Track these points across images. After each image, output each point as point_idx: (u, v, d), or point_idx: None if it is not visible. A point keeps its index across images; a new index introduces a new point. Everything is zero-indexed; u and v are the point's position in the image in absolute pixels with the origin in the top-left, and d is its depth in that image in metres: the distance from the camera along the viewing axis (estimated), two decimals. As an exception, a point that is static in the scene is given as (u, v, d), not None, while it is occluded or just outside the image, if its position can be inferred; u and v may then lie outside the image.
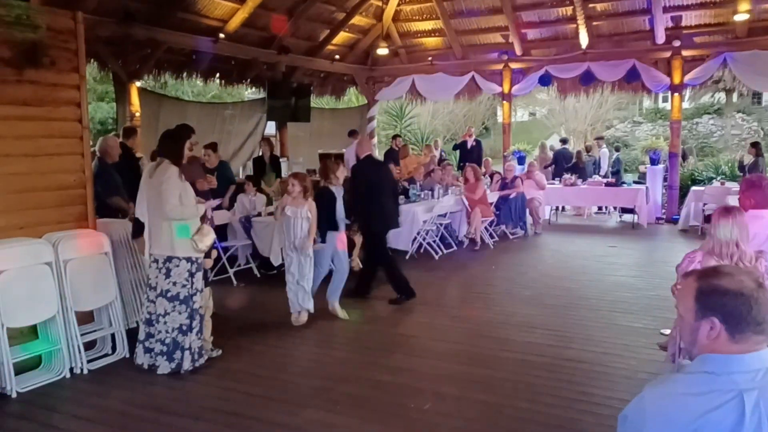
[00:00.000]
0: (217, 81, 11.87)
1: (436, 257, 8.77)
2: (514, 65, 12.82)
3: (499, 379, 4.41)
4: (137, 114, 9.28)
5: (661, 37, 11.34)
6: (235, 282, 7.33)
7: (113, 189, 6.43)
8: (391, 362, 4.81)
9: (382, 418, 3.84)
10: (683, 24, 11.26)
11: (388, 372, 4.59)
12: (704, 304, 1.57)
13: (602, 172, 13.04)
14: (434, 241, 8.99)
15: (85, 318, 4.90)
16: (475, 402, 4.05)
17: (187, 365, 4.51)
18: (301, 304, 5.70)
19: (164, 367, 4.52)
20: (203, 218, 4.59)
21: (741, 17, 10.19)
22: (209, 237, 4.54)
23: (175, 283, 4.46)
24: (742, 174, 10.65)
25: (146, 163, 7.20)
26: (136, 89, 9.34)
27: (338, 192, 6.04)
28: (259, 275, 7.71)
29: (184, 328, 4.50)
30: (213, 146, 8.25)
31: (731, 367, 1.49)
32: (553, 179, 12.86)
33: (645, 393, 1.59)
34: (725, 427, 1.43)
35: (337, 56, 13.20)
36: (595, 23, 11.90)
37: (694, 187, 11.59)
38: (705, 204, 10.81)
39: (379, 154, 12.04)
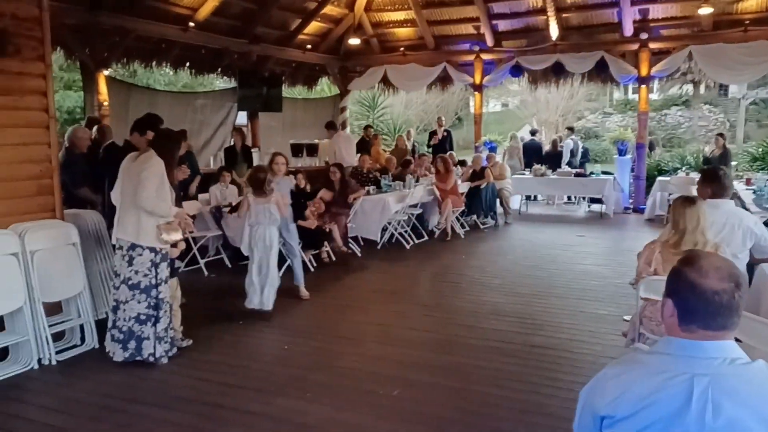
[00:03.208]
0: (188, 70, 11.74)
1: (407, 247, 8.85)
2: (485, 56, 12.90)
3: (468, 366, 4.50)
4: (105, 103, 9.13)
5: (629, 30, 11.53)
6: (206, 272, 7.32)
7: (81, 180, 6.36)
8: (362, 350, 4.87)
9: (353, 405, 3.90)
10: (650, 17, 11.45)
11: (359, 360, 4.65)
12: (668, 284, 1.66)
13: (563, 163, 13.26)
14: (405, 231, 9.06)
15: (53, 309, 4.85)
16: (443, 388, 4.13)
17: (146, 355, 4.46)
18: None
19: (118, 355, 4.49)
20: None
21: (705, 11, 10.41)
22: (176, 234, 4.50)
23: (137, 272, 4.43)
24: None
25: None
26: (104, 78, 9.19)
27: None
28: (230, 265, 7.69)
29: (143, 317, 4.45)
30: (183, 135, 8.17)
31: (689, 352, 1.56)
32: (523, 170, 13.05)
33: (606, 369, 1.67)
34: (672, 408, 1.49)
35: (308, 46, 13.13)
36: (564, 15, 12.02)
37: (660, 178, 11.85)
38: (670, 194, 11.07)
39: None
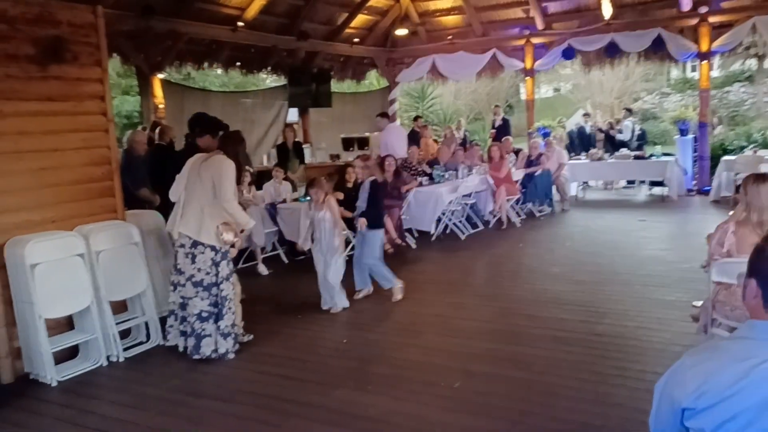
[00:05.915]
0: (238, 70, 11.92)
1: (463, 237, 8.72)
2: (535, 40, 12.61)
3: (530, 356, 4.39)
4: (161, 106, 9.37)
5: (687, 4, 11.03)
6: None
7: (140, 181, 6.54)
8: (421, 342, 4.82)
9: (414, 396, 3.85)
10: (710, -11, 10.93)
11: (418, 352, 4.61)
12: (752, 263, 1.54)
13: (629, 144, 12.81)
14: (460, 222, 8.95)
15: (119, 307, 4.99)
16: (505, 378, 4.04)
17: (208, 352, 4.52)
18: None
19: (188, 349, 4.60)
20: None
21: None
22: (230, 235, 4.55)
23: (199, 270, 4.50)
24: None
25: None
26: (158, 81, 9.42)
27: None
28: (286, 261, 7.77)
29: (204, 314, 4.53)
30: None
31: None
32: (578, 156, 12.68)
33: (685, 358, 1.56)
34: (760, 396, 1.39)
35: (356, 39, 13.13)
36: (618, -7, 11.62)
37: (725, 157, 11.30)
38: (737, 174, 10.54)
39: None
